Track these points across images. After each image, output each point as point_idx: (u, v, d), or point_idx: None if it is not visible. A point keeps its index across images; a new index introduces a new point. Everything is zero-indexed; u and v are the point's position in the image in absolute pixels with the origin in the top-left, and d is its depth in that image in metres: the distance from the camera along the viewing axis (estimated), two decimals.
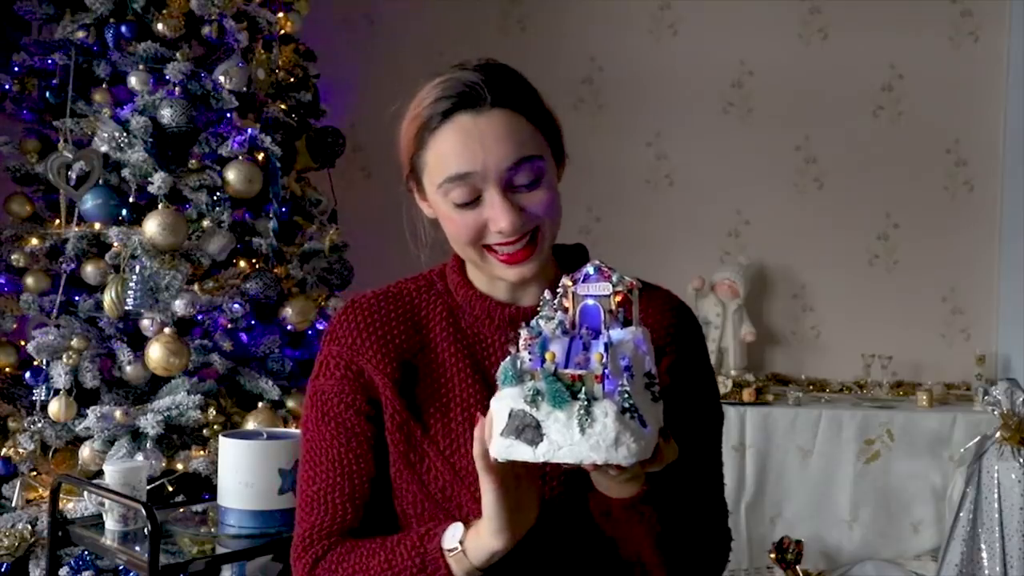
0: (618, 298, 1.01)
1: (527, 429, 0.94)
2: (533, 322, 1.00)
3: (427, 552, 1.08)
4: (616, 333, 0.99)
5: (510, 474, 1.02)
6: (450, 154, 1.11)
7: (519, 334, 0.98)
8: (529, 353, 0.96)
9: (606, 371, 0.93)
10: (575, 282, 1.02)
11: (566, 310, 1.02)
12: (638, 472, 0.99)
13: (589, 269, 1.02)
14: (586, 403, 0.93)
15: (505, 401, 0.96)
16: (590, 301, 1.01)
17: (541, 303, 1.03)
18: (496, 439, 0.96)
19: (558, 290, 1.02)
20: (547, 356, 0.95)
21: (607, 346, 0.95)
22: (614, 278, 1.01)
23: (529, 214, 1.13)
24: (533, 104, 1.15)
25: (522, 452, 0.95)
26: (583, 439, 0.93)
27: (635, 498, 1.05)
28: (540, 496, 1.09)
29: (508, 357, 0.97)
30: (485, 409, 1.14)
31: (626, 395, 0.93)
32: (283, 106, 2.85)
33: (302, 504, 1.21)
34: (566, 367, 0.95)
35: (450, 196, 1.12)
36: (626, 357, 0.95)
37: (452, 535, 1.08)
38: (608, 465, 0.93)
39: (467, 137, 1.11)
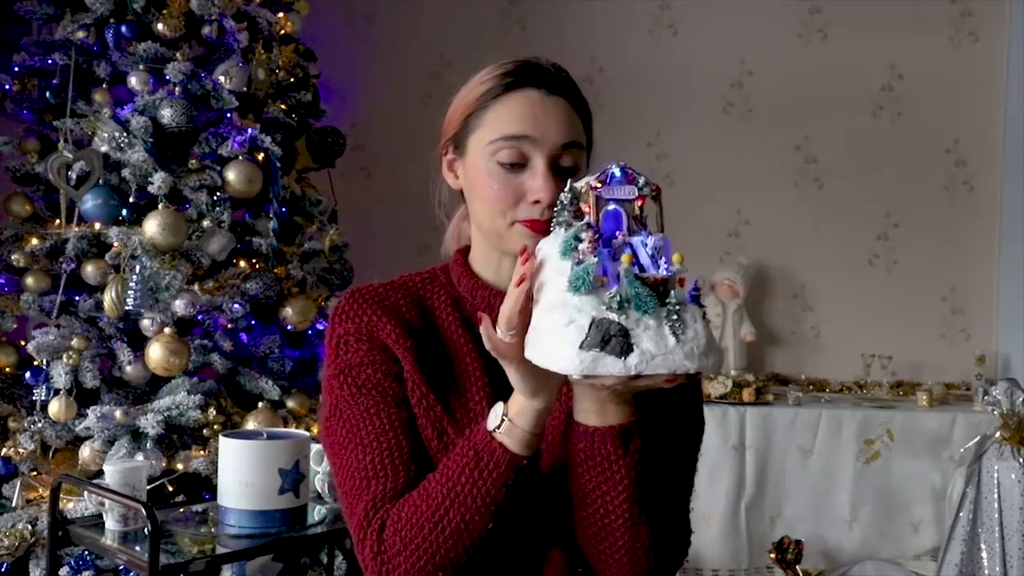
0: (640, 202, 0.95)
1: (614, 339, 0.86)
2: (562, 217, 0.94)
3: (477, 443, 1.05)
4: (652, 239, 0.92)
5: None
6: (512, 116, 1.16)
7: (580, 236, 0.92)
8: (596, 257, 0.89)
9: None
10: (602, 184, 0.95)
11: (580, 214, 0.95)
12: (630, 392, 0.97)
13: (615, 171, 0.96)
14: (677, 307, 0.86)
15: (584, 311, 0.87)
16: (611, 205, 0.94)
17: (558, 206, 0.99)
18: (575, 353, 0.87)
19: (566, 193, 0.98)
20: (624, 258, 0.88)
21: (659, 249, 0.89)
22: (640, 181, 0.95)
23: None
24: (587, 113, 1.22)
25: (609, 365, 0.87)
26: (678, 346, 0.86)
27: (624, 425, 1.03)
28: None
29: (578, 264, 0.89)
30: (499, 393, 1.12)
31: (699, 298, 0.87)
32: (283, 106, 2.85)
33: (354, 486, 1.14)
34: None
35: (497, 155, 1.15)
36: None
37: (493, 415, 1.06)
38: (680, 377, 0.88)
39: (533, 106, 1.16)
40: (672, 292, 0.87)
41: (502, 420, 1.05)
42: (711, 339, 0.87)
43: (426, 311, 1.23)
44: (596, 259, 0.89)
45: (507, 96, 1.17)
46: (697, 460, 1.27)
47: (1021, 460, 3.03)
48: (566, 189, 0.99)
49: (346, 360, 1.19)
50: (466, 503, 1.05)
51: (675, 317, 0.86)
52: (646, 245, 0.90)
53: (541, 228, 1.13)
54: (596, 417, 1.03)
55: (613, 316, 0.87)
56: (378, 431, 1.15)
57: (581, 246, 0.91)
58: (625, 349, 0.86)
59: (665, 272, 0.88)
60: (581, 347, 0.87)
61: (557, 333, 0.89)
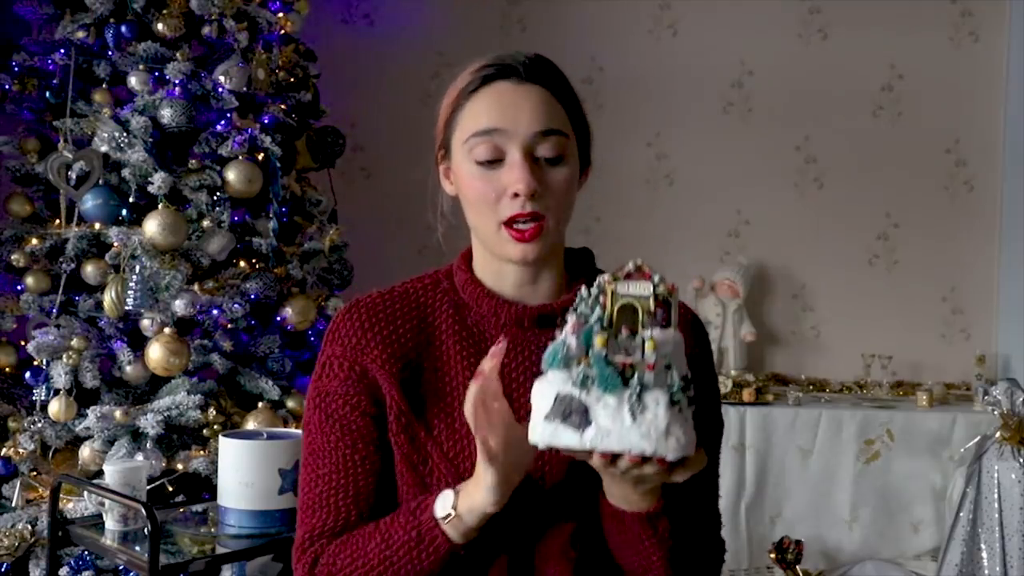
0: (655, 299, 0.99)
1: (574, 414, 0.92)
2: (580, 308, 0.98)
3: (421, 524, 1.09)
4: (658, 332, 0.96)
5: (509, 450, 1.03)
6: (484, 111, 1.14)
7: (565, 319, 0.97)
8: (576, 338, 0.94)
9: (657, 361, 0.91)
10: (615, 280, 0.99)
11: (603, 308, 0.99)
12: (658, 482, 0.99)
13: (630, 267, 1.00)
14: (638, 390, 0.90)
15: (552, 385, 0.93)
16: (628, 301, 0.99)
17: (577, 299, 1.01)
18: (539, 424, 0.93)
19: (593, 289, 1.01)
20: (597, 341, 0.93)
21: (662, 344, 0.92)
22: (655, 279, 0.99)
23: (545, 189, 1.14)
24: (571, 99, 1.19)
25: (567, 438, 0.92)
26: (633, 426, 0.90)
27: (651, 512, 1.06)
28: (532, 453, 1.07)
29: (554, 341, 0.95)
30: None
31: (675, 388, 0.91)
32: (283, 106, 2.85)
33: (304, 507, 1.20)
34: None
35: (474, 153, 1.14)
36: (667, 356, 0.94)
37: (443, 504, 1.09)
38: (649, 460, 0.91)
39: (503, 99, 1.14)
40: (636, 376, 0.92)
41: (450, 513, 1.08)
42: (675, 424, 0.91)
43: (424, 321, 1.21)
44: (566, 336, 0.95)
45: (480, 91, 1.16)
46: (719, 462, 1.28)
47: (1021, 460, 3.03)
48: (595, 284, 1.01)
49: (324, 385, 1.21)
50: (400, 574, 1.10)
51: (635, 399, 0.91)
52: (653, 337, 0.94)
53: (525, 238, 1.13)
54: (623, 503, 1.07)
55: (576, 392, 0.92)
56: (331, 466, 1.18)
57: (566, 327, 0.97)
58: (582, 424, 0.92)
59: (631, 357, 0.93)
60: (545, 418, 0.93)
61: (534, 405, 0.95)
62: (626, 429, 0.90)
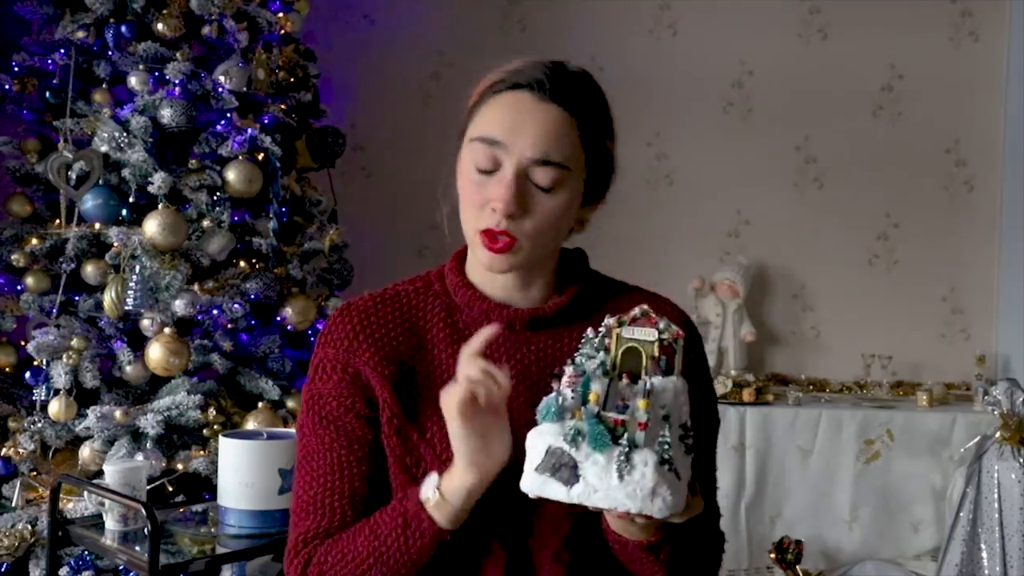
0: (659, 345, 1.00)
1: (563, 468, 0.94)
2: (577, 359, 0.99)
3: (407, 510, 1.09)
4: (657, 381, 0.97)
5: (479, 419, 1.04)
6: (496, 118, 1.13)
7: (563, 370, 0.99)
8: (571, 391, 0.96)
9: (649, 419, 0.93)
10: (620, 324, 1.01)
11: (607, 351, 1.00)
12: (658, 520, 1.00)
13: (636, 312, 1.01)
14: (627, 449, 0.92)
15: (544, 437, 0.95)
16: (632, 344, 1.00)
17: (583, 341, 1.02)
18: (530, 474, 0.96)
19: (600, 329, 1.01)
20: (591, 396, 0.94)
21: (648, 393, 0.94)
22: (660, 325, 1.00)
23: (525, 213, 1.12)
24: (593, 126, 1.15)
25: (555, 491, 0.95)
26: (620, 485, 0.92)
27: (651, 542, 1.07)
28: (511, 435, 1.09)
29: (551, 393, 0.97)
30: None
31: (666, 446, 0.92)
32: (283, 106, 2.85)
33: (297, 509, 1.20)
34: (605, 409, 0.94)
35: (475, 156, 1.13)
36: (665, 406, 0.95)
37: (428, 485, 1.10)
38: (639, 514, 0.94)
39: (517, 111, 1.12)
40: (626, 434, 0.93)
41: (433, 494, 1.08)
42: (661, 484, 0.92)
43: (416, 325, 1.21)
44: (568, 391, 0.96)
45: (502, 94, 1.14)
46: (715, 457, 1.29)
47: (1021, 460, 3.03)
48: (602, 326, 1.02)
49: (317, 387, 1.21)
50: (389, 564, 1.10)
51: (623, 459, 0.92)
52: (652, 386, 0.95)
53: (495, 249, 1.12)
54: (624, 533, 1.08)
55: (567, 447, 0.94)
56: (326, 468, 1.18)
57: (564, 378, 0.98)
58: (571, 479, 0.94)
59: (624, 415, 0.94)
60: (536, 470, 0.96)
61: (528, 453, 0.98)
62: (613, 488, 0.92)
